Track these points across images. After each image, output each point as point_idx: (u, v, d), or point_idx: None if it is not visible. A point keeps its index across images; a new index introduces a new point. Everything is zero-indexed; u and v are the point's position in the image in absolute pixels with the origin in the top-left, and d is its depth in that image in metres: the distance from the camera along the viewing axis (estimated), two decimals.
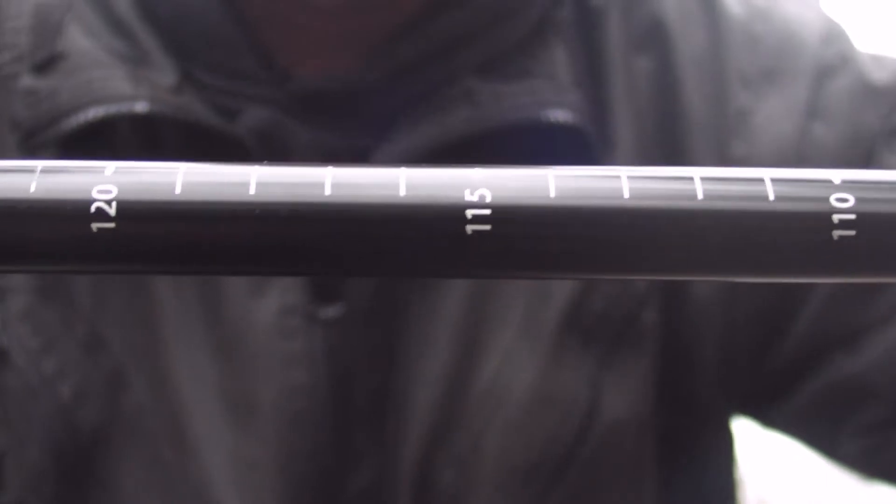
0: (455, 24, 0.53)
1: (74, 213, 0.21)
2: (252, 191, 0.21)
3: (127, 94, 0.51)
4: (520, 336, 0.53)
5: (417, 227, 0.21)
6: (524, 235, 0.21)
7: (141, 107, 0.51)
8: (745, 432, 0.59)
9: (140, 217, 0.21)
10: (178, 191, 0.21)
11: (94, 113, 0.51)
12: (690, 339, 0.54)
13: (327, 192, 0.21)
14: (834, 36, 0.55)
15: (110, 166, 0.22)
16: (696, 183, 0.22)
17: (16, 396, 0.54)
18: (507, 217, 0.21)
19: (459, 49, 0.53)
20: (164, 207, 0.21)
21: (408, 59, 0.53)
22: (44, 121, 0.52)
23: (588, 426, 0.53)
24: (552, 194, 0.21)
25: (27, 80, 0.53)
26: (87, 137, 0.52)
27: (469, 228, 0.21)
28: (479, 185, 0.21)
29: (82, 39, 0.53)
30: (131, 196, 0.21)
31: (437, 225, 0.21)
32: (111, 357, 0.53)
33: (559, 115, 0.52)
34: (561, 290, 0.52)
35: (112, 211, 0.21)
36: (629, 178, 0.22)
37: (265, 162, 0.22)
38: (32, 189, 0.22)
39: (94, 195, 0.21)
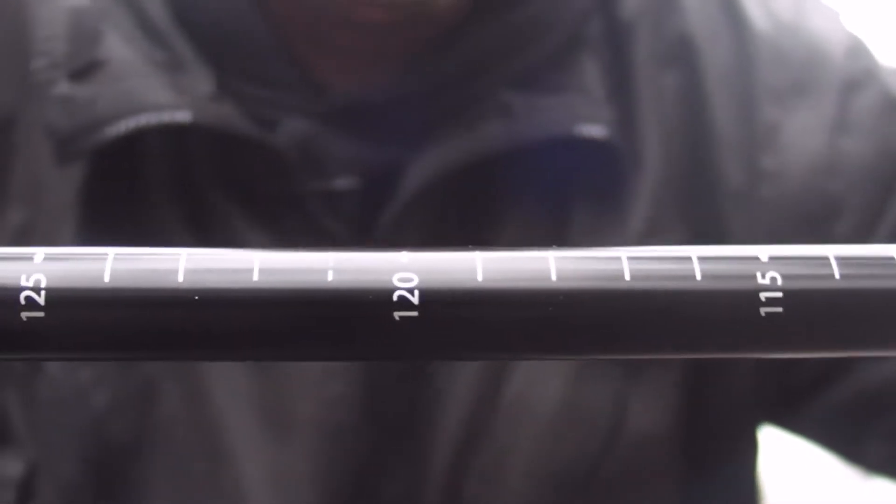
0: (491, 38, 0.53)
1: (376, 301, 0.21)
2: (553, 276, 0.22)
3: (169, 103, 0.50)
4: None
5: (711, 312, 0.22)
6: (814, 317, 0.22)
7: (184, 116, 0.50)
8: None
9: (441, 305, 0.22)
10: (479, 277, 0.22)
11: (135, 122, 0.50)
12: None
13: (627, 277, 0.22)
14: (858, 51, 0.57)
15: (404, 256, 0.22)
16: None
17: (49, 408, 0.53)
18: (797, 299, 0.22)
19: (495, 63, 0.53)
20: (465, 295, 0.22)
21: (444, 72, 0.53)
22: (82, 129, 0.51)
23: (614, 440, 0.54)
24: (837, 276, 0.22)
25: (64, 88, 0.51)
26: (121, 146, 0.51)
27: (763, 311, 0.22)
28: (769, 269, 0.22)
29: (122, 47, 0.52)
30: (433, 286, 0.22)
31: (729, 307, 0.22)
32: (145, 368, 0.53)
33: (593, 131, 0.52)
34: None
35: (415, 299, 0.21)
36: None
37: (554, 247, 0.22)
38: (329, 278, 0.22)
39: (396, 283, 0.22)
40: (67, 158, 0.52)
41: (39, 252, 0.22)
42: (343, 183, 0.53)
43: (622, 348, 0.22)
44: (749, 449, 0.59)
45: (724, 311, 0.22)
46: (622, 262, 0.22)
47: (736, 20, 0.56)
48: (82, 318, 0.22)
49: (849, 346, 0.22)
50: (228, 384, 0.53)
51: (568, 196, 0.54)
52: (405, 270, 0.22)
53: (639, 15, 0.56)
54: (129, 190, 0.53)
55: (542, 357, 0.22)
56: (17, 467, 0.54)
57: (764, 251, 0.22)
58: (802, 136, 0.55)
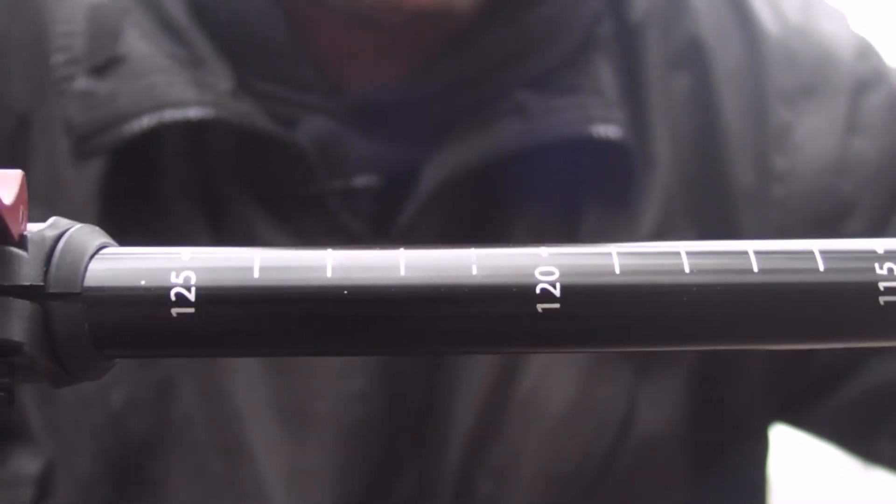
0: (507, 39, 0.54)
1: (519, 294, 0.22)
2: (686, 269, 0.23)
3: (190, 99, 0.50)
4: None
5: (834, 301, 0.23)
6: None
7: (205, 112, 0.50)
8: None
9: (582, 297, 0.22)
10: (617, 270, 0.23)
11: (157, 118, 0.50)
12: (733, 350, 0.55)
13: (755, 269, 0.23)
14: (867, 52, 0.58)
15: (544, 251, 0.23)
16: None
17: (67, 405, 0.53)
18: None
19: (511, 63, 0.54)
20: (605, 288, 0.23)
21: (460, 72, 0.53)
22: (102, 124, 0.50)
23: (624, 437, 0.54)
24: None
25: (83, 83, 0.51)
26: (140, 143, 0.51)
27: (882, 300, 0.23)
28: (886, 260, 0.23)
29: (141, 43, 0.52)
30: (572, 280, 0.22)
31: (851, 297, 0.23)
32: (162, 365, 0.53)
33: (608, 131, 0.53)
34: None
35: (557, 292, 0.22)
36: None
37: (694, 244, 0.23)
38: (474, 272, 0.22)
39: (538, 277, 0.22)
40: (86, 155, 0.51)
41: (185, 251, 0.22)
42: (362, 181, 0.53)
43: (750, 338, 0.23)
44: (759, 448, 0.59)
45: (847, 302, 0.23)
46: (749, 256, 0.23)
47: (746, 22, 0.57)
48: (232, 314, 0.22)
49: None
50: (246, 381, 0.53)
51: (580, 196, 0.55)
52: (546, 265, 0.23)
53: (648, 17, 0.56)
54: (147, 187, 0.53)
55: (674, 347, 0.23)
56: (35, 465, 0.54)
57: (879, 244, 0.23)
58: (813, 136, 0.56)
